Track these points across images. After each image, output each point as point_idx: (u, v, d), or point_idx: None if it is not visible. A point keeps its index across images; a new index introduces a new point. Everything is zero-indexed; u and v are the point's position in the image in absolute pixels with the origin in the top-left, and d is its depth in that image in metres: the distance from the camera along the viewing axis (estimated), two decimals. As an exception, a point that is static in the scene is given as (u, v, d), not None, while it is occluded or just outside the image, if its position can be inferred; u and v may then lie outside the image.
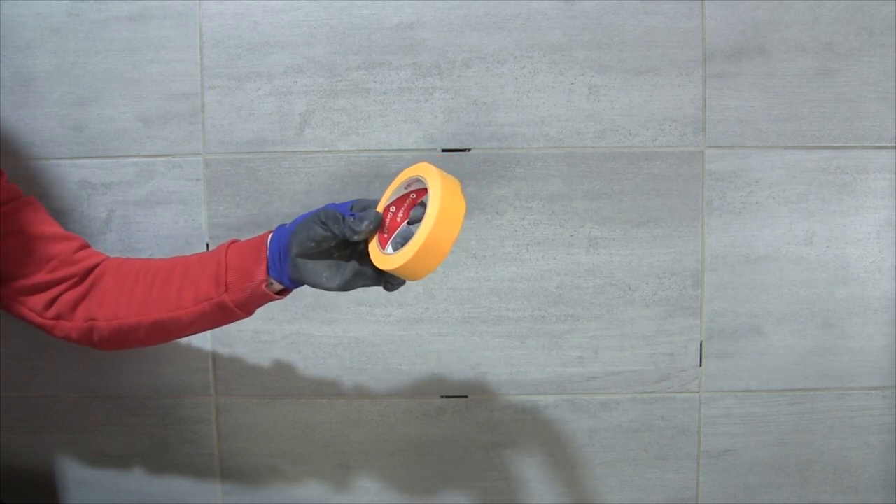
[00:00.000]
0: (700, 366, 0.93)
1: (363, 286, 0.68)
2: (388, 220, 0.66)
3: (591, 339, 0.93)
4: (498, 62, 0.89)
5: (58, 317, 0.75)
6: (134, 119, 0.89)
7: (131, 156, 0.90)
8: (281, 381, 0.93)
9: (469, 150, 0.90)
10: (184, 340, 0.92)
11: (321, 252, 0.67)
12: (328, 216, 0.66)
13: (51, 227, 0.77)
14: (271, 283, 0.70)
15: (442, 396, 0.93)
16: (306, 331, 0.92)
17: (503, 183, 0.90)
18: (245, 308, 0.71)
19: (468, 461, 0.95)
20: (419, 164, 0.65)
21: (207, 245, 0.91)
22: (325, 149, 0.90)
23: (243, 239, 0.74)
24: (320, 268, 0.67)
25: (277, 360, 0.93)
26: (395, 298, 0.92)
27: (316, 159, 0.90)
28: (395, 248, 0.64)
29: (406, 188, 0.66)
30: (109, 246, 0.90)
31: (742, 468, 0.95)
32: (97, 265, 0.77)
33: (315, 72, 0.89)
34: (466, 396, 0.94)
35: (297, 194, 0.90)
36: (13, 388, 0.93)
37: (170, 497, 0.96)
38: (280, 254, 0.69)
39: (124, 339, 0.75)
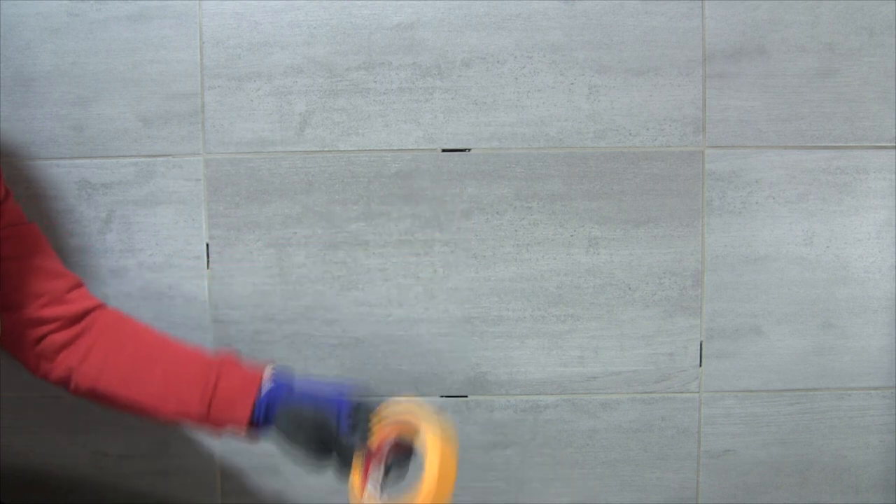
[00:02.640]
0: (700, 366, 0.93)
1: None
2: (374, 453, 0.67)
3: (591, 339, 0.93)
4: (498, 62, 0.89)
5: (39, 355, 0.73)
6: (134, 119, 0.89)
7: (131, 156, 0.90)
8: (281, 381, 0.93)
9: (469, 150, 0.90)
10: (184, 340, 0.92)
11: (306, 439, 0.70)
12: (324, 425, 0.68)
13: (48, 261, 0.75)
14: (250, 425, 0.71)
15: (442, 396, 0.93)
16: (306, 331, 0.92)
17: (503, 183, 0.90)
18: (218, 429, 0.73)
19: (468, 461, 0.95)
20: (418, 411, 0.66)
21: (207, 246, 0.91)
22: (325, 149, 0.90)
23: (241, 360, 0.75)
24: (299, 449, 0.70)
25: (277, 360, 0.93)
26: (395, 298, 0.92)
27: (316, 159, 0.90)
28: (376, 487, 0.65)
29: (397, 423, 0.67)
30: (109, 246, 0.90)
31: (742, 468, 0.95)
32: (89, 311, 0.74)
33: (315, 72, 0.89)
34: (466, 396, 0.94)
35: (297, 194, 0.90)
36: (13, 388, 0.93)
37: (170, 497, 0.96)
38: (267, 416, 0.70)
39: (99, 399, 0.75)
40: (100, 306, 0.76)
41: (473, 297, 0.92)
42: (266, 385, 0.72)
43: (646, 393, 0.94)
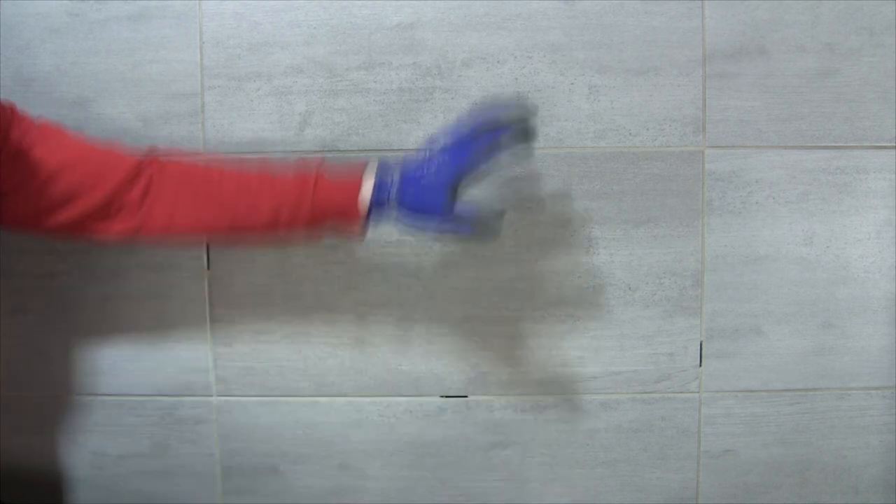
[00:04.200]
0: (700, 366, 0.93)
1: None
2: None
3: (591, 339, 0.93)
4: (498, 62, 0.89)
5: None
6: (134, 119, 0.89)
7: (131, 156, 0.90)
8: (281, 381, 0.93)
9: None
10: (184, 340, 0.92)
11: None
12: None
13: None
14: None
15: (442, 396, 0.94)
16: (306, 331, 0.92)
17: (504, 183, 0.90)
18: (322, 223, 0.75)
19: (468, 461, 0.95)
20: None
21: (207, 246, 0.91)
22: (325, 149, 0.90)
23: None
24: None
25: (277, 360, 0.93)
26: (395, 298, 0.92)
27: (316, 159, 0.90)
28: None
29: None
30: (109, 245, 0.90)
31: (742, 468, 0.95)
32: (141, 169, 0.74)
33: (315, 72, 0.89)
34: (466, 396, 0.94)
35: (297, 194, 0.90)
36: (13, 388, 0.93)
37: (170, 497, 0.96)
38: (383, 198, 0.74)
39: (176, 234, 0.75)
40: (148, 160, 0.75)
41: (473, 297, 0.92)
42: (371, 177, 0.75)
43: (646, 393, 0.94)
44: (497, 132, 0.74)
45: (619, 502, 0.96)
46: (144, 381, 0.93)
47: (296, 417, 0.94)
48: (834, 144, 0.90)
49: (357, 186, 0.74)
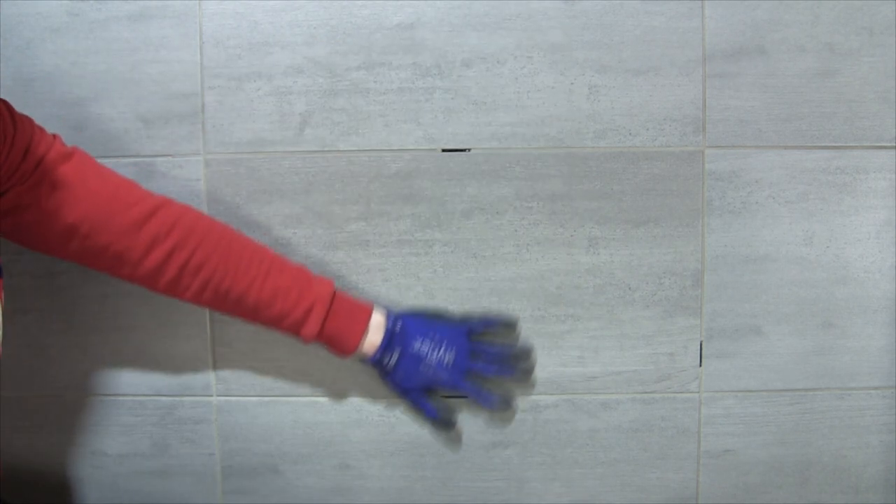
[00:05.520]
0: (700, 366, 0.93)
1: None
2: None
3: (591, 339, 0.93)
4: (498, 62, 0.89)
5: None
6: (134, 119, 0.89)
7: (131, 156, 0.90)
8: (281, 381, 0.93)
9: (469, 150, 0.90)
10: (184, 340, 0.92)
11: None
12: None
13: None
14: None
15: (442, 396, 0.94)
16: (306, 331, 0.92)
17: (503, 183, 0.90)
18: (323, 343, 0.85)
19: (468, 461, 0.95)
20: None
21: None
22: (325, 149, 0.90)
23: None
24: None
25: (277, 360, 0.93)
26: (395, 298, 0.92)
27: (316, 159, 0.90)
28: None
29: None
30: (109, 246, 0.90)
31: (742, 468, 0.95)
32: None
33: (315, 72, 0.89)
34: (466, 396, 0.94)
35: (297, 194, 0.90)
36: (13, 388, 0.93)
37: (169, 497, 0.96)
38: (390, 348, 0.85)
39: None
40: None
41: (473, 297, 0.92)
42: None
43: (646, 393, 0.94)
44: (495, 367, 0.89)
45: (619, 502, 0.96)
46: (144, 380, 0.93)
47: (296, 417, 0.94)
48: (834, 144, 0.90)
49: (361, 333, 0.84)
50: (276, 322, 0.82)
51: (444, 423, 0.91)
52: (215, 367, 0.93)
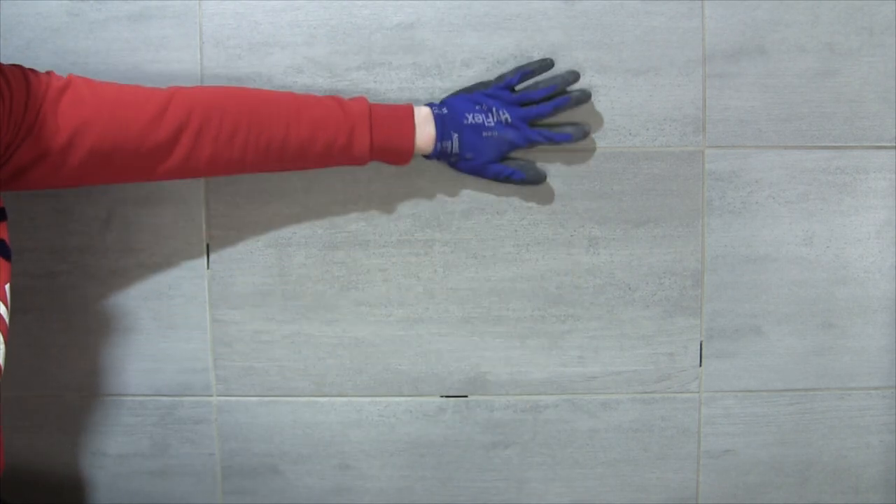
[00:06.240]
0: (700, 366, 0.93)
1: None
2: None
3: (591, 339, 0.93)
4: (498, 62, 0.89)
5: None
6: (134, 119, 0.89)
7: (131, 156, 0.90)
8: (281, 381, 0.93)
9: None
10: (184, 340, 0.92)
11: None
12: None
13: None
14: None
15: (442, 396, 0.94)
16: (306, 331, 0.92)
17: (503, 182, 0.90)
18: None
19: (468, 461, 0.95)
20: None
21: (207, 246, 0.91)
22: (325, 149, 0.90)
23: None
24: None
25: (277, 360, 0.93)
26: (395, 298, 0.92)
27: (316, 159, 0.90)
28: None
29: None
30: (109, 246, 0.90)
31: (742, 468, 0.95)
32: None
33: (315, 72, 0.89)
34: (466, 396, 0.94)
35: (297, 193, 0.90)
36: (13, 388, 0.93)
37: (169, 497, 0.96)
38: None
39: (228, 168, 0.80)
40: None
41: (473, 297, 0.92)
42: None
43: (646, 393, 0.94)
44: (556, 102, 0.85)
45: (619, 502, 0.96)
46: (144, 380, 0.93)
47: (296, 417, 0.94)
48: (834, 144, 0.90)
49: (411, 130, 0.81)
50: (326, 156, 0.79)
51: (534, 178, 0.86)
52: (215, 367, 0.93)
